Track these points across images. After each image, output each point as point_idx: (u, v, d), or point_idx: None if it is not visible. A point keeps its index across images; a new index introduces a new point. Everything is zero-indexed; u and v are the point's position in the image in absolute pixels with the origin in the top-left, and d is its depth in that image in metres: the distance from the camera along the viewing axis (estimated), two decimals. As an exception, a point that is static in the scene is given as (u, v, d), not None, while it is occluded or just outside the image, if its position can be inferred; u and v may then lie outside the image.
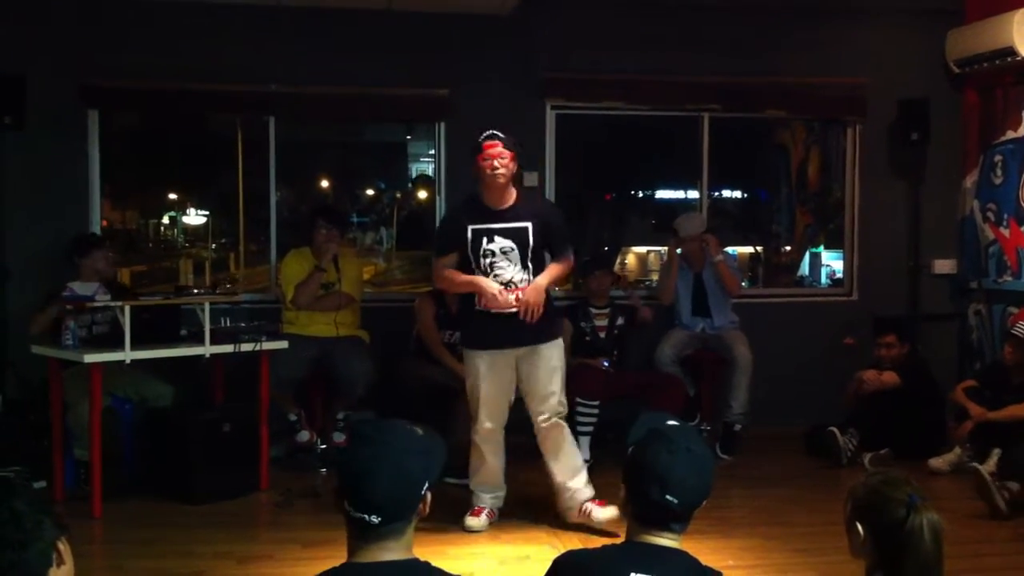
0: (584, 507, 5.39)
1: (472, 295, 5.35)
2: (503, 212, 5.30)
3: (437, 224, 5.53)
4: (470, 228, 5.28)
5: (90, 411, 5.57)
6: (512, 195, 5.34)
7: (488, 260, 5.27)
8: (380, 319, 7.15)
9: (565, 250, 5.48)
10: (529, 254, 5.30)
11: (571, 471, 5.46)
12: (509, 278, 5.28)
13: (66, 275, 6.14)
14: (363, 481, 2.20)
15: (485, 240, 5.27)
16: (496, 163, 5.19)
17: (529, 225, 5.30)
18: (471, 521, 5.44)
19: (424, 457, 2.27)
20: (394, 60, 7.37)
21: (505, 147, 5.22)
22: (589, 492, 5.44)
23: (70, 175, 7.12)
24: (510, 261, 5.27)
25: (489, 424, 5.41)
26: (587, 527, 5.37)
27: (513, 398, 5.48)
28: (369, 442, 2.25)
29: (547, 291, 5.38)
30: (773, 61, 7.79)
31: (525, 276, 5.30)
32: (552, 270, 5.40)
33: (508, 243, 5.28)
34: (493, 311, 5.26)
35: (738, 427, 7.12)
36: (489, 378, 5.36)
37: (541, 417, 5.43)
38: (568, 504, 5.45)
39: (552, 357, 5.42)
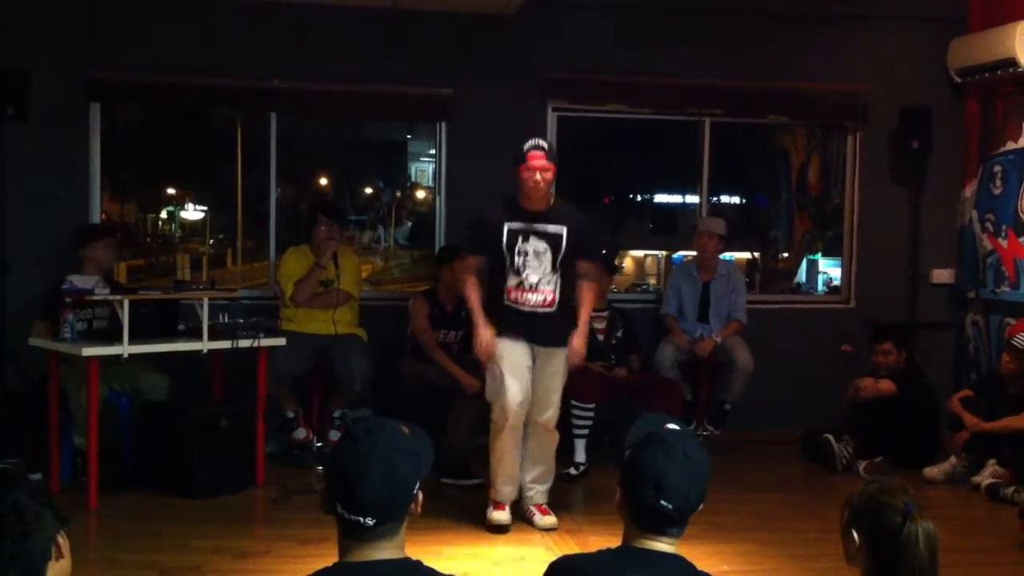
0: (530, 509, 5.55)
1: (500, 289, 5.38)
2: (540, 214, 5.38)
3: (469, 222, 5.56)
4: (507, 226, 5.35)
5: (87, 404, 5.58)
6: (550, 200, 5.45)
7: (521, 259, 5.34)
8: (377, 318, 7.15)
9: (594, 256, 5.67)
10: (560, 259, 5.38)
11: (542, 478, 5.61)
12: (538, 279, 5.35)
13: (66, 269, 6.14)
14: (354, 483, 2.19)
15: (520, 239, 5.35)
16: (539, 175, 5.28)
17: (564, 231, 5.38)
18: (497, 515, 5.45)
19: (413, 456, 2.27)
20: (397, 58, 7.38)
21: (548, 159, 5.29)
22: (543, 499, 5.61)
23: (71, 168, 7.12)
24: (541, 263, 5.35)
25: (514, 408, 5.36)
26: (582, 531, 5.44)
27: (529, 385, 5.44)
28: (358, 444, 2.24)
29: (566, 296, 5.44)
30: (776, 66, 7.80)
31: (553, 278, 5.38)
32: (587, 301, 5.53)
33: (543, 245, 5.36)
34: (515, 307, 5.35)
35: (728, 406, 7.22)
36: (509, 359, 5.37)
37: (540, 419, 5.49)
38: (521, 499, 5.60)
39: (562, 363, 5.50)
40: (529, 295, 5.35)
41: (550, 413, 5.52)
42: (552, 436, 5.61)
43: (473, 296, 5.43)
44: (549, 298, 5.37)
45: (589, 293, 5.56)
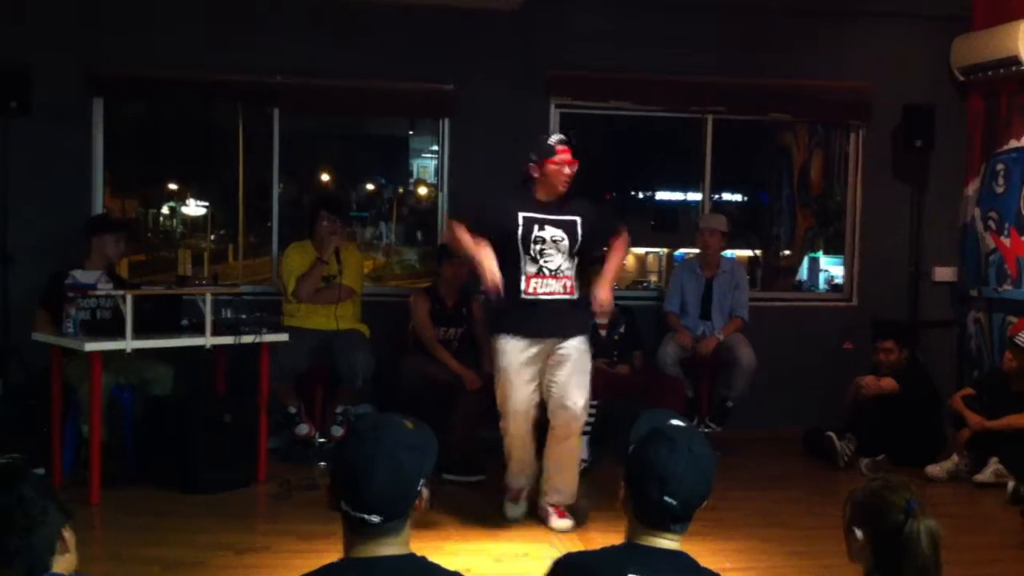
0: (546, 509, 5.51)
1: (516, 283, 5.30)
2: (554, 204, 5.38)
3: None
4: (521, 215, 5.31)
5: (90, 399, 5.59)
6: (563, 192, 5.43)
7: (539, 247, 5.30)
8: (379, 314, 7.15)
9: (618, 227, 5.62)
10: (576, 247, 5.36)
11: (562, 484, 5.52)
12: (557, 266, 5.33)
13: (68, 263, 6.14)
14: (360, 479, 2.19)
15: (536, 228, 5.31)
16: (568, 170, 5.30)
17: (579, 219, 5.38)
18: (509, 507, 5.54)
19: (418, 452, 2.26)
20: (400, 54, 7.37)
21: (573, 154, 5.32)
22: (559, 499, 5.53)
23: (73, 163, 7.12)
24: (559, 251, 5.32)
25: (520, 415, 5.31)
26: (585, 528, 5.44)
27: (537, 395, 5.41)
28: (363, 440, 2.24)
29: (582, 289, 5.43)
30: (778, 64, 7.80)
31: (571, 265, 5.37)
32: (614, 257, 5.51)
33: (559, 232, 5.33)
34: (532, 298, 5.30)
35: (730, 403, 7.21)
36: (514, 367, 5.31)
37: (564, 410, 5.37)
38: (540, 492, 5.55)
39: (578, 357, 5.40)
40: (550, 281, 5.31)
41: (571, 411, 5.34)
42: (572, 443, 5.48)
43: (465, 237, 5.27)
44: (569, 284, 5.35)
45: (620, 249, 5.55)
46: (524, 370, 5.34)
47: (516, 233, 5.29)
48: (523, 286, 5.31)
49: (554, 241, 5.32)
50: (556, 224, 5.33)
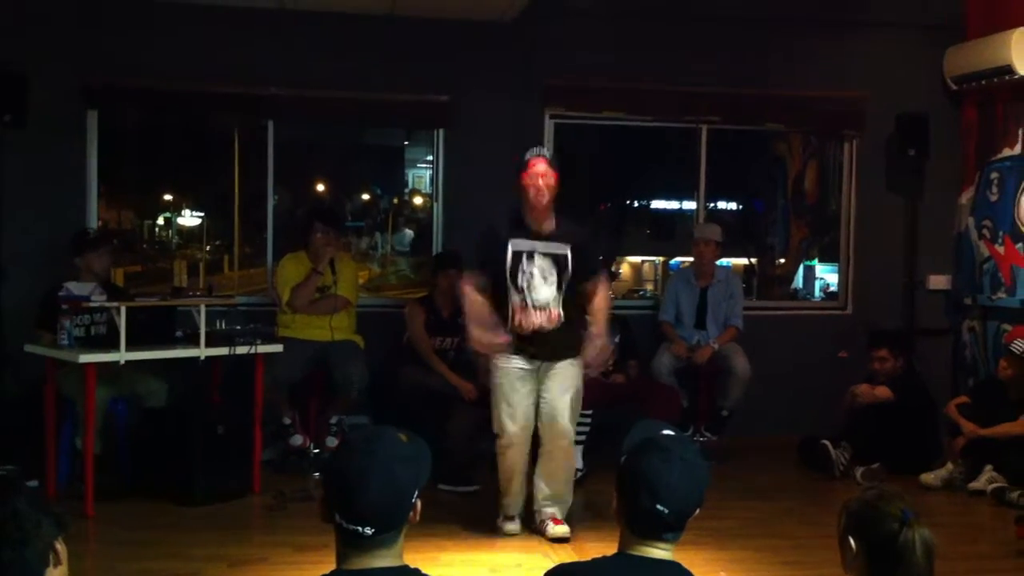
0: (544, 521, 5.48)
1: (504, 312, 5.30)
2: (546, 232, 5.32)
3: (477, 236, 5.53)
4: (511, 247, 5.27)
5: (85, 411, 5.57)
6: (553, 216, 5.34)
7: (526, 280, 5.26)
8: (374, 324, 7.14)
9: (599, 271, 5.58)
10: (565, 279, 5.31)
11: (555, 498, 5.50)
12: (544, 299, 5.27)
13: (63, 275, 6.14)
14: (353, 492, 2.18)
15: (525, 259, 5.27)
16: (541, 182, 5.21)
17: (568, 251, 5.31)
18: (507, 525, 5.49)
19: (412, 464, 2.25)
20: (395, 65, 7.38)
21: (550, 166, 5.23)
22: (554, 512, 5.49)
23: (68, 174, 7.12)
24: (547, 283, 5.26)
25: (514, 433, 5.34)
26: (579, 538, 5.42)
27: (533, 413, 5.42)
28: (357, 452, 2.23)
29: (570, 314, 5.39)
30: (773, 74, 7.82)
31: (558, 296, 5.29)
32: (600, 309, 5.43)
33: (547, 264, 5.28)
34: (518, 330, 5.27)
35: (725, 412, 7.22)
36: (506, 385, 5.34)
37: (551, 434, 5.42)
38: (535, 509, 5.53)
39: (568, 376, 5.41)
40: (533, 316, 5.26)
41: (559, 427, 5.39)
42: (564, 455, 5.50)
43: (474, 300, 5.34)
44: (553, 315, 5.30)
45: (603, 300, 5.48)
46: (520, 384, 5.35)
47: (504, 265, 5.27)
48: (509, 319, 5.29)
49: (542, 275, 5.27)
50: (545, 255, 5.28)
